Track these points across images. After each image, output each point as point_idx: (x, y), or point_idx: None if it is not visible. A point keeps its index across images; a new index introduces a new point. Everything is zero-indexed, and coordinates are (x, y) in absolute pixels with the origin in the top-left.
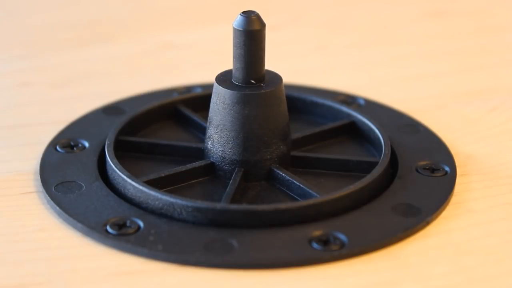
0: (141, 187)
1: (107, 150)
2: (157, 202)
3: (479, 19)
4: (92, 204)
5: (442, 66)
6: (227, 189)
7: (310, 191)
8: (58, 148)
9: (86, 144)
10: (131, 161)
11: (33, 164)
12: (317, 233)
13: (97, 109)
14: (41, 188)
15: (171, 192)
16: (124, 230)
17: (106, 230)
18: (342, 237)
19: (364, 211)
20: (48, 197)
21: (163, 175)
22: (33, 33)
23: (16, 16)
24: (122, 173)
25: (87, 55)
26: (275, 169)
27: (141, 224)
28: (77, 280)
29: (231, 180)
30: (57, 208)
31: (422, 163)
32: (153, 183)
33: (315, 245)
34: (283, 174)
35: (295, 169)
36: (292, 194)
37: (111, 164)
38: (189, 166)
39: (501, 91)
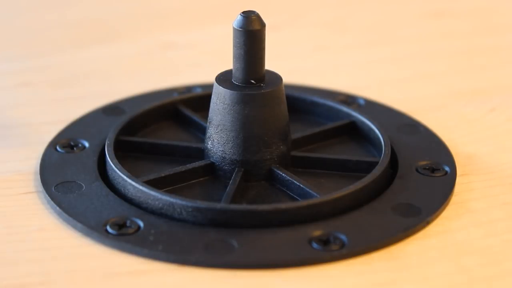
0: (141, 187)
1: (107, 150)
2: (157, 202)
3: (479, 19)
4: (92, 204)
5: (442, 66)
6: (227, 189)
7: (310, 191)
8: (58, 148)
9: (86, 144)
10: (131, 161)
11: (33, 164)
12: (317, 233)
13: (97, 109)
14: (41, 188)
15: (171, 192)
16: (124, 230)
17: (106, 230)
18: (342, 237)
19: (364, 211)
20: (48, 197)
21: (163, 175)
22: (33, 33)
23: (16, 16)
24: (122, 173)
25: (87, 55)
26: (275, 169)
27: (141, 224)
28: (77, 280)
29: (231, 180)
30: (57, 208)
31: (422, 163)
32: (153, 183)
33: (315, 245)
34: (283, 174)
35: (295, 169)
36: (292, 194)
37: (111, 164)
38: (189, 166)
39: (501, 91)
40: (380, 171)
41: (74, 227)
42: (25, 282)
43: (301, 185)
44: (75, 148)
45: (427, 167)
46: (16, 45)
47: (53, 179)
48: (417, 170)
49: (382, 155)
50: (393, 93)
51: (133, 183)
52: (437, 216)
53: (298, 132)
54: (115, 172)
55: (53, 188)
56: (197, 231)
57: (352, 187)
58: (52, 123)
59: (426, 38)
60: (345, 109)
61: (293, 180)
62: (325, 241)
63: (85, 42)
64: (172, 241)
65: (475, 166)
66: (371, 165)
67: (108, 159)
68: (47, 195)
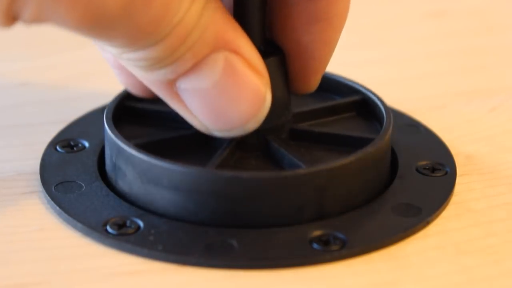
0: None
1: (106, 116)
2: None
3: (479, 19)
4: (92, 204)
5: (442, 66)
6: (216, 155)
7: (300, 162)
8: (58, 148)
9: (86, 144)
10: (131, 128)
11: (33, 164)
12: (317, 233)
13: (97, 109)
14: (41, 188)
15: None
16: (124, 230)
17: (106, 230)
18: (342, 237)
19: (364, 211)
20: (48, 197)
21: (154, 140)
22: (33, 33)
23: None
24: (116, 136)
25: (87, 55)
26: (271, 140)
27: (141, 224)
28: (77, 280)
29: (223, 147)
30: (57, 208)
31: (422, 163)
32: (145, 148)
33: (315, 245)
34: (277, 146)
35: (292, 142)
36: (284, 166)
37: (108, 129)
38: (182, 132)
39: (501, 91)
40: (378, 145)
41: (74, 227)
42: (25, 282)
43: (293, 157)
44: (75, 148)
45: (427, 167)
46: (16, 45)
47: (53, 179)
48: (417, 170)
49: (382, 128)
50: (393, 93)
51: (118, 141)
52: (437, 216)
53: (303, 106)
54: (110, 135)
55: (53, 188)
56: (197, 231)
57: (350, 156)
58: (52, 123)
59: (426, 38)
60: (355, 85)
61: (286, 152)
62: (325, 241)
63: (85, 42)
64: (172, 241)
65: (475, 166)
66: (369, 141)
67: (106, 124)
68: (47, 195)
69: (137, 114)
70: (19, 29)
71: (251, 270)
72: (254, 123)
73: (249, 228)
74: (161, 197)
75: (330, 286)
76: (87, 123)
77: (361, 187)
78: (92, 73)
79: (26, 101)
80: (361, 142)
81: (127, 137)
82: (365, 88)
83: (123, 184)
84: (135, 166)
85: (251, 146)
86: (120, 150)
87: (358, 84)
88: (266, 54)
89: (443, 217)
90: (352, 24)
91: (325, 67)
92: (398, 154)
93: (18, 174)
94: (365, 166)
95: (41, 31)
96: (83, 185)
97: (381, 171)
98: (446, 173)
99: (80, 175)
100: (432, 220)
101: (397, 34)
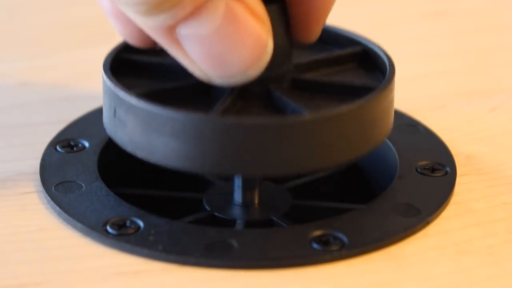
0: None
1: (104, 67)
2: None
3: (479, 19)
4: (92, 204)
5: (442, 66)
6: (219, 102)
7: (305, 110)
8: (58, 148)
9: (86, 144)
10: (129, 80)
11: (33, 164)
12: (317, 233)
13: (97, 109)
14: (41, 188)
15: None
16: (124, 230)
17: (106, 230)
18: (342, 237)
19: (364, 211)
20: (48, 197)
21: (154, 89)
22: (33, 33)
23: (16, 16)
24: (117, 86)
25: (87, 55)
26: (273, 89)
27: (141, 224)
28: (77, 280)
29: (225, 95)
30: (57, 208)
31: (422, 163)
32: (145, 98)
33: (315, 245)
34: (280, 94)
35: (293, 91)
36: (286, 113)
37: (107, 79)
38: (182, 82)
39: (501, 91)
40: (378, 93)
41: (74, 227)
42: (25, 282)
43: (296, 105)
44: (75, 148)
45: (427, 167)
46: (16, 45)
47: (53, 179)
48: (417, 170)
49: (385, 78)
50: None
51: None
52: (437, 216)
53: (306, 57)
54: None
55: (53, 188)
56: (197, 231)
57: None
58: (52, 123)
59: (426, 38)
60: (356, 36)
61: (290, 100)
62: (325, 241)
63: (85, 42)
64: (172, 241)
65: (475, 166)
66: (371, 89)
67: (104, 75)
68: (47, 195)
69: (134, 67)
70: (19, 29)
71: (251, 270)
72: (255, 70)
73: (248, 227)
74: (163, 145)
75: (330, 286)
76: (87, 123)
77: (367, 134)
78: (92, 73)
79: (26, 101)
80: (363, 91)
81: (126, 88)
82: (366, 38)
83: (123, 135)
84: (137, 115)
85: (253, 95)
86: (121, 100)
87: (358, 35)
88: (267, 1)
89: (443, 217)
90: (352, 24)
91: (326, 16)
92: (398, 154)
93: (18, 174)
94: (372, 112)
95: (41, 31)
96: (83, 185)
97: (388, 118)
98: (446, 173)
99: (80, 175)
100: (432, 220)
101: (397, 34)
